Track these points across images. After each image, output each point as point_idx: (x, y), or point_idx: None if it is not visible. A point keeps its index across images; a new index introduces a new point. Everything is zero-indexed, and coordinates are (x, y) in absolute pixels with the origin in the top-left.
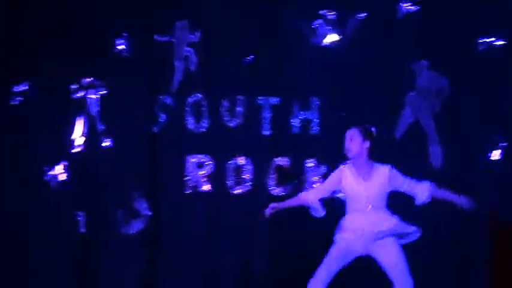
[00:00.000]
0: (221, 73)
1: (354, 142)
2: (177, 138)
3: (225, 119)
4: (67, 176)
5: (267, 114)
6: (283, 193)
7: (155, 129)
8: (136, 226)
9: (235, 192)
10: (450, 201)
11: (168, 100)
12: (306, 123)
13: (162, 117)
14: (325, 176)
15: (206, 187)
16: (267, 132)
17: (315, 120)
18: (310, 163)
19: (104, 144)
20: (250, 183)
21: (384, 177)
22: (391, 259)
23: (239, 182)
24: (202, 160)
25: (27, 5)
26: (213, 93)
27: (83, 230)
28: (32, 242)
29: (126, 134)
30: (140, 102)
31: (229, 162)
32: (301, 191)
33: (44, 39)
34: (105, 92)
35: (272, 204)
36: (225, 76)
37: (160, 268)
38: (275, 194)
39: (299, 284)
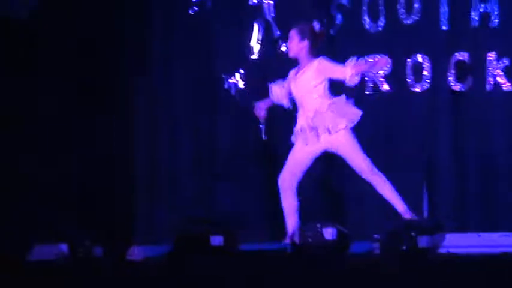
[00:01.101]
0: None
1: (292, 42)
2: (354, 39)
3: (402, 16)
4: (245, 83)
5: (445, 9)
6: (463, 89)
7: (331, 31)
8: None
9: (415, 90)
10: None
11: (344, 0)
12: (485, 16)
13: (338, 18)
14: (506, 70)
15: (385, 87)
16: (445, 28)
17: (494, 12)
18: (490, 57)
19: (281, 49)
20: (430, 80)
21: (312, 69)
22: (346, 150)
23: (418, 79)
24: None
25: None
26: None
27: (264, 137)
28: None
29: None
30: (315, 4)
31: (408, 60)
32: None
33: None
34: None
35: (258, 105)
36: None
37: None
38: (456, 90)
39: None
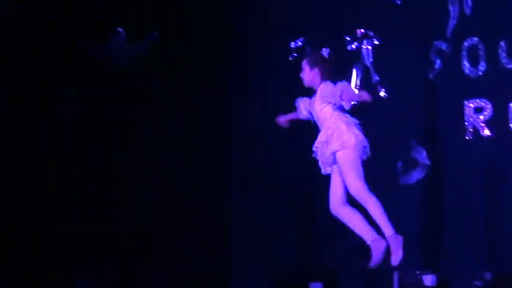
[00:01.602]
0: (499, 14)
1: (304, 73)
2: (454, 84)
3: (503, 61)
4: None
5: None
6: None
7: (431, 75)
8: (415, 176)
9: None
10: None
11: (443, 46)
12: None
13: (438, 63)
14: None
15: (486, 132)
16: None
17: None
18: None
19: (379, 94)
20: None
21: (317, 94)
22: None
23: None
24: (481, 104)
25: None
26: (489, 36)
27: None
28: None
29: (401, 83)
30: (414, 49)
31: (510, 105)
32: None
33: None
34: (378, 42)
35: (279, 118)
36: (503, 17)
37: (441, 217)
38: None
39: None
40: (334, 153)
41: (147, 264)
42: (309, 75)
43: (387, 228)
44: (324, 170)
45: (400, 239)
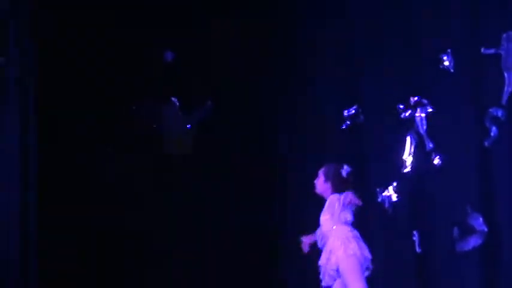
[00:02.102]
0: None
1: (318, 181)
2: (510, 151)
3: None
4: (398, 196)
5: None
6: None
7: (486, 143)
8: (472, 242)
9: None
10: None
11: (499, 113)
12: None
13: (493, 130)
14: None
15: None
16: None
17: None
18: None
19: (434, 161)
20: None
21: (327, 203)
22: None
23: None
24: None
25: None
26: None
27: (418, 249)
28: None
29: (456, 150)
30: (468, 116)
31: None
32: None
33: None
34: (432, 109)
35: (303, 239)
36: None
37: (500, 285)
38: None
39: None
40: (337, 269)
41: None
42: (322, 185)
43: None
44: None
45: None
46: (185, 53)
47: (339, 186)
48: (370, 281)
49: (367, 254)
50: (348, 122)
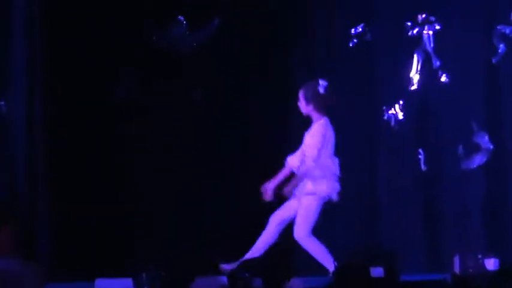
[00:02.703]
0: None
1: (301, 104)
2: None
3: None
4: (404, 114)
5: None
6: None
7: (494, 60)
8: (477, 160)
9: None
10: None
11: (507, 30)
12: None
13: (501, 47)
14: None
15: None
16: None
17: None
18: None
19: (441, 79)
20: None
21: (311, 129)
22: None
23: None
24: None
25: None
26: None
27: (424, 167)
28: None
29: (463, 68)
30: (476, 34)
31: None
32: None
33: None
34: (439, 27)
35: (266, 186)
36: None
37: (504, 201)
38: None
39: None
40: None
41: None
42: (305, 108)
43: (330, 265)
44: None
45: None
46: None
47: (321, 104)
48: (377, 198)
49: (334, 191)
50: (356, 40)
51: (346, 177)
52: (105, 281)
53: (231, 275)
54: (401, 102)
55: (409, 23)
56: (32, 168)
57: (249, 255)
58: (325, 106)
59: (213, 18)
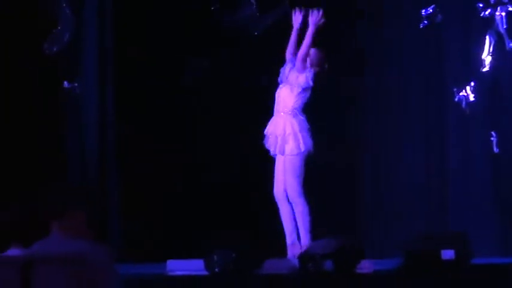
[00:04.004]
0: None
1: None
2: None
3: None
4: (475, 96)
5: None
6: None
7: None
8: None
9: None
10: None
11: None
12: None
13: None
14: None
15: None
16: None
17: None
18: None
19: None
20: None
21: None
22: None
23: None
24: None
25: None
26: None
27: (496, 150)
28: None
29: None
30: None
31: None
32: None
33: None
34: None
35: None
36: None
37: None
38: None
39: None
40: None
41: None
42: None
43: (305, 238)
44: (272, 152)
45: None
46: None
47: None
48: (447, 180)
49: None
50: (426, 22)
51: (416, 159)
52: (176, 262)
53: (301, 256)
54: (472, 84)
55: (481, 4)
56: (103, 152)
57: (288, 241)
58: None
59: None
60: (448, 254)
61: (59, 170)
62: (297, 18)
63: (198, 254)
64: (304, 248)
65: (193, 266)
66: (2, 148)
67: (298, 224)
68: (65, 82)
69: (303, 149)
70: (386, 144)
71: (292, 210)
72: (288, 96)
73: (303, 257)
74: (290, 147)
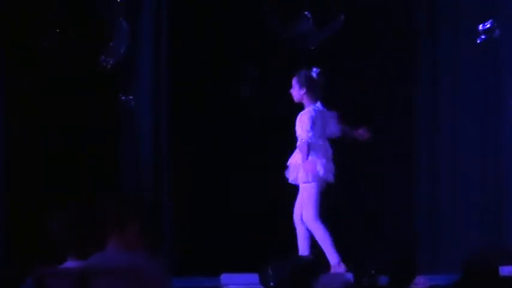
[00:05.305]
0: None
1: (294, 90)
2: None
3: None
4: None
5: None
6: None
7: None
8: None
9: None
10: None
11: None
12: None
13: None
14: None
15: None
16: None
17: None
18: None
19: None
20: None
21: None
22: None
23: None
24: None
25: None
26: None
27: None
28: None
29: None
30: None
31: None
32: None
33: None
34: None
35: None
36: None
37: None
38: None
39: None
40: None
41: None
42: (298, 93)
43: (332, 257)
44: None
45: (343, 266)
46: None
47: (312, 90)
48: (504, 193)
49: (330, 174)
50: (484, 37)
51: (472, 174)
52: (230, 276)
53: (356, 272)
54: None
55: None
56: (157, 163)
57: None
58: (317, 92)
59: (339, 13)
60: (507, 270)
61: (114, 182)
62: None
63: (253, 268)
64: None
65: (248, 280)
66: (59, 159)
67: (322, 247)
68: (121, 95)
69: (310, 178)
70: (442, 158)
71: (308, 231)
72: (298, 128)
73: (358, 272)
74: (301, 175)
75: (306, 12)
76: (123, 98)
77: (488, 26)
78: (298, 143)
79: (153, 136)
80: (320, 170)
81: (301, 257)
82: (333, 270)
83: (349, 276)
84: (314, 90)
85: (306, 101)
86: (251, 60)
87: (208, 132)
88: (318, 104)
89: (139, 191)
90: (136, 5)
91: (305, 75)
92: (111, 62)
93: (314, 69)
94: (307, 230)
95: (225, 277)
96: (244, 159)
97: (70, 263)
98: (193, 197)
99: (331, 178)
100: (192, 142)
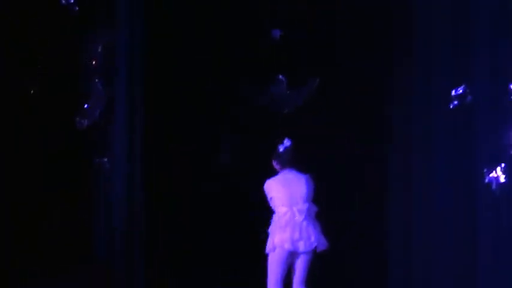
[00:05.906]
0: None
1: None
2: None
3: None
4: (506, 178)
5: None
6: None
7: None
8: None
9: None
10: None
11: None
12: None
13: None
14: None
15: None
16: None
17: None
18: None
19: None
20: None
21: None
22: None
23: None
24: None
25: None
26: None
27: None
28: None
29: None
30: None
31: None
32: None
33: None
34: None
35: None
36: None
37: None
38: None
39: None
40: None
41: None
42: (275, 165)
43: None
44: None
45: None
46: (291, 31)
47: (281, 161)
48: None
49: (292, 242)
50: (456, 102)
51: (447, 238)
52: None
53: None
54: (503, 165)
55: None
56: (130, 227)
57: None
58: (283, 164)
59: (314, 77)
60: None
61: (85, 245)
62: None
63: None
64: None
65: None
66: (28, 222)
67: None
68: (94, 157)
69: (267, 249)
70: (415, 224)
71: None
72: None
73: None
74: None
75: (280, 76)
76: (97, 160)
77: (460, 91)
78: None
79: (127, 200)
80: (277, 240)
81: None
82: None
83: None
84: (282, 161)
85: (277, 169)
86: (225, 121)
87: (182, 198)
88: (286, 171)
89: (110, 255)
90: (112, 69)
91: (275, 150)
92: (85, 123)
93: (285, 141)
94: None
95: None
96: (221, 221)
97: None
98: (165, 262)
99: (288, 247)
100: (166, 206)
